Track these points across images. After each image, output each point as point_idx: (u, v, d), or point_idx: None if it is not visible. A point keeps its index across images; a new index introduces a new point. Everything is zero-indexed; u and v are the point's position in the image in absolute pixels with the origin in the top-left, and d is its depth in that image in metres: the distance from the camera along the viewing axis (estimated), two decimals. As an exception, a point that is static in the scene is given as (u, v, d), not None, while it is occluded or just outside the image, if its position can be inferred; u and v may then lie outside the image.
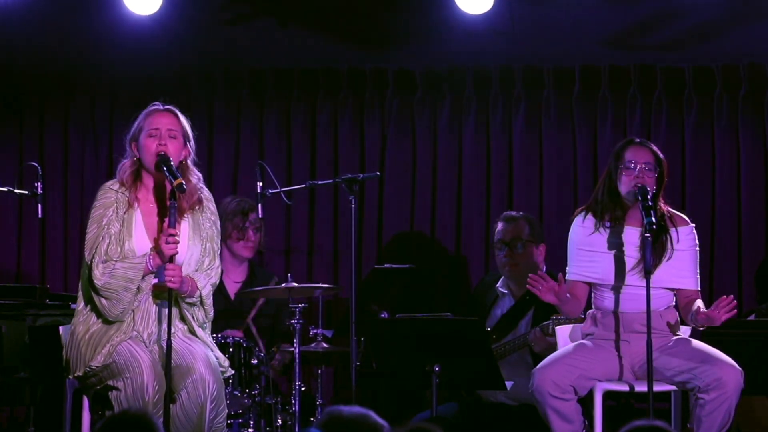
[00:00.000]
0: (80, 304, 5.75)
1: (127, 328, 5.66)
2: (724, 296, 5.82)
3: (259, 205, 6.94)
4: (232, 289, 7.34)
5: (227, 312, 7.19)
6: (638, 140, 6.10)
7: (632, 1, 7.68)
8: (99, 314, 5.68)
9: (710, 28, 7.78)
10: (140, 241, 5.69)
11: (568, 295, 5.97)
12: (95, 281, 5.61)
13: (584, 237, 6.06)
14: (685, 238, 6.04)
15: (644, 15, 7.72)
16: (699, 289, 6.04)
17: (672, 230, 6.01)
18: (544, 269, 6.95)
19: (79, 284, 5.79)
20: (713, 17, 7.67)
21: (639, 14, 7.71)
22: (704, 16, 7.68)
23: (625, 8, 7.68)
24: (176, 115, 5.79)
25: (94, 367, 5.59)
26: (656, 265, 5.91)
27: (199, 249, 5.77)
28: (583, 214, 6.10)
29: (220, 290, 6.61)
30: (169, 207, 5.61)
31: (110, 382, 5.57)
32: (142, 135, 5.75)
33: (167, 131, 5.73)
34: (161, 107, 5.81)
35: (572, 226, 6.14)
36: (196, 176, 5.82)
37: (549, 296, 5.96)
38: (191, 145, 5.81)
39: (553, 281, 5.94)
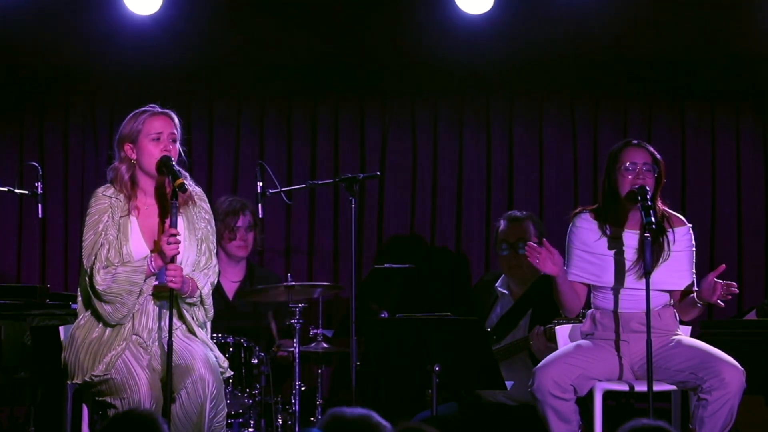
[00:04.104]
0: (80, 309, 5.74)
1: (128, 334, 5.65)
2: (735, 284, 5.82)
3: (260, 205, 6.94)
4: (230, 288, 7.34)
5: (227, 312, 7.19)
6: (635, 142, 6.07)
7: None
8: (99, 319, 5.67)
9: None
10: (137, 245, 5.67)
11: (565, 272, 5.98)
12: (97, 287, 5.59)
13: (585, 239, 6.05)
14: (681, 239, 6.03)
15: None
16: (695, 286, 6.04)
17: (669, 231, 6.00)
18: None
19: (78, 290, 5.78)
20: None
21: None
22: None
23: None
24: (173, 119, 5.80)
25: (94, 378, 5.59)
26: (653, 267, 5.90)
27: (195, 249, 5.76)
28: (584, 215, 6.09)
29: (218, 290, 6.61)
30: (171, 207, 5.61)
31: (108, 399, 5.58)
32: (143, 138, 5.72)
33: (169, 135, 5.74)
34: (159, 110, 5.80)
35: (571, 226, 6.12)
36: (184, 174, 5.82)
37: (549, 265, 5.94)
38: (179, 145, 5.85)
39: (547, 251, 5.92)
